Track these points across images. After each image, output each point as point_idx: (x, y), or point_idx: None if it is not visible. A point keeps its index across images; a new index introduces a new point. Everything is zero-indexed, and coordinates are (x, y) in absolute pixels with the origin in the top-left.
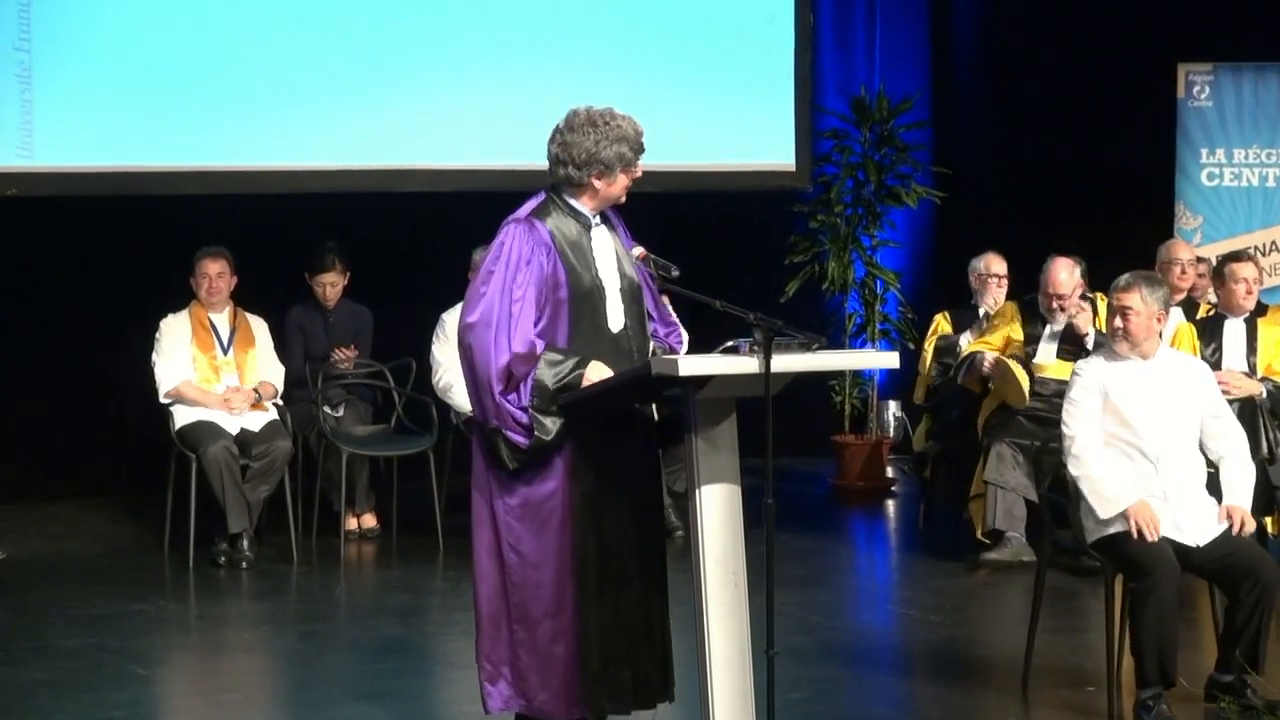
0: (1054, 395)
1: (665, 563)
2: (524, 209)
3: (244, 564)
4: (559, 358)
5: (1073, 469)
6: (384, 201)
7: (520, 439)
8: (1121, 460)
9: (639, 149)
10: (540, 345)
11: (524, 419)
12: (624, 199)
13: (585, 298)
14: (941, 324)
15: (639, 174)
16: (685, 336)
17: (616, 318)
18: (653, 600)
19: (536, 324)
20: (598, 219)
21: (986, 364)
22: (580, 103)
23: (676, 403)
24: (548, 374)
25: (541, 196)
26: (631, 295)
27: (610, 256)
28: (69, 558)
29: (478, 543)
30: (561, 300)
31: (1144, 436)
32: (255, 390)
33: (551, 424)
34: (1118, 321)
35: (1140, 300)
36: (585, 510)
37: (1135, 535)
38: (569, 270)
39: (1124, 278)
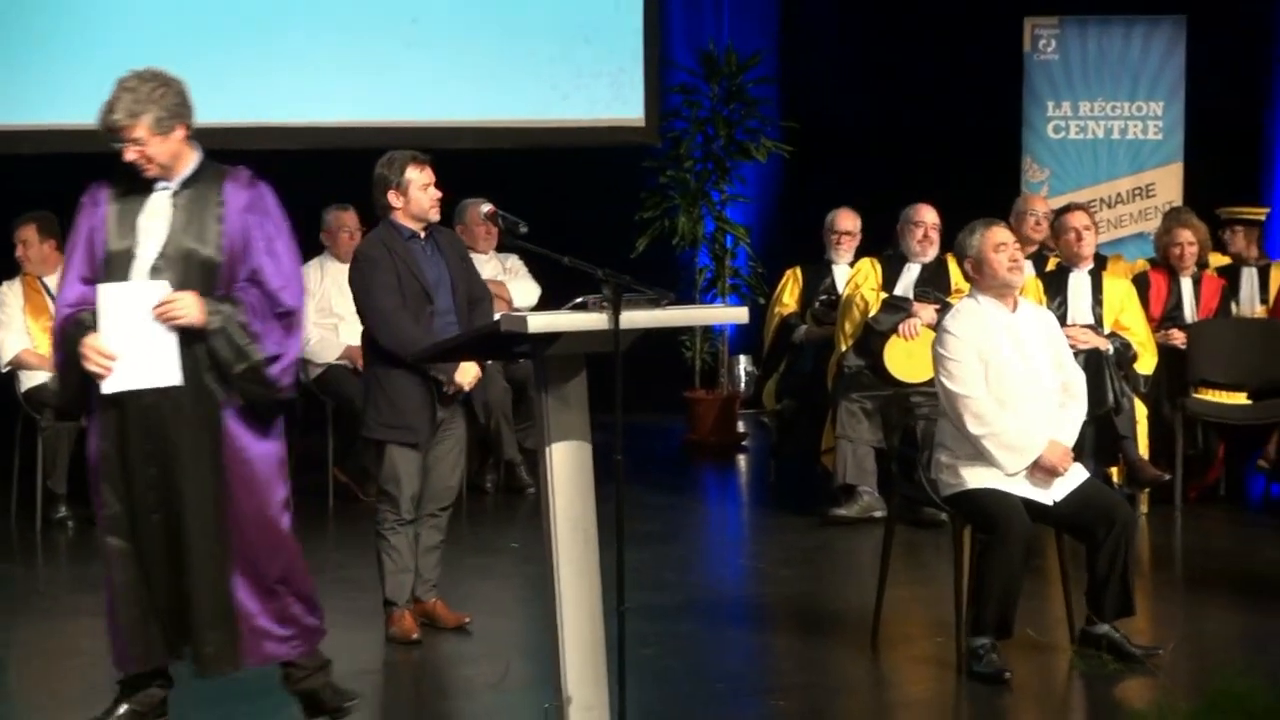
0: None
1: (227, 528)
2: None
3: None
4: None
5: (974, 428)
6: (230, 159)
7: None
8: None
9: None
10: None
11: None
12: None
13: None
14: (792, 279)
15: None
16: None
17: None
18: (196, 563)
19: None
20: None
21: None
22: (429, 60)
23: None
24: None
25: None
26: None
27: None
28: None
29: None
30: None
31: (1011, 388)
32: None
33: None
34: (1013, 257)
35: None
36: (107, 471)
37: (1052, 477)
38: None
39: (988, 222)
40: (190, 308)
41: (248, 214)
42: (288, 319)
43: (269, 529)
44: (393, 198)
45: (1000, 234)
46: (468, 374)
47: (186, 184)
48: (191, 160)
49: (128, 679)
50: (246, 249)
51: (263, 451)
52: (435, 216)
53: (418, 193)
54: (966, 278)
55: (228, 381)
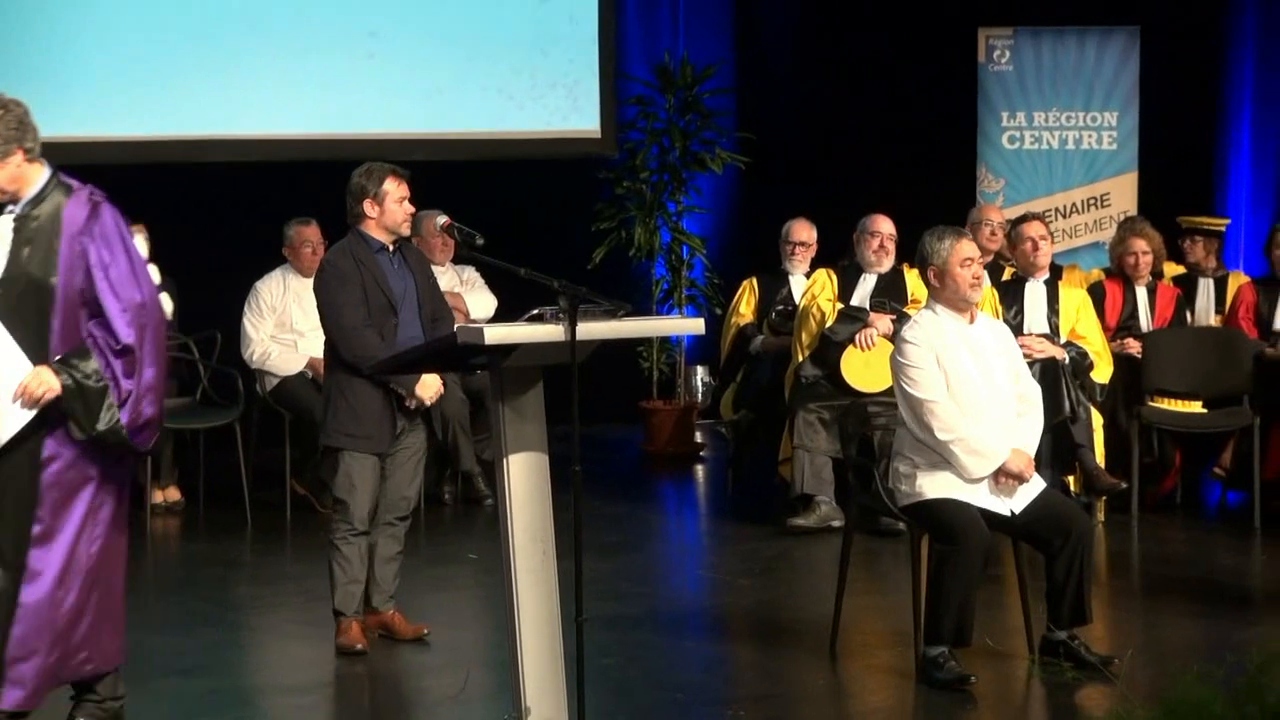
0: None
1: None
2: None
3: None
4: None
5: (940, 434)
6: (187, 172)
7: None
8: None
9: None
10: None
11: None
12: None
13: None
14: (749, 290)
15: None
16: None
17: None
18: None
19: None
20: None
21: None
22: (386, 73)
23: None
24: None
25: None
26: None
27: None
28: None
29: None
30: None
31: (971, 398)
32: None
33: None
34: (976, 274)
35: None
36: None
37: (1017, 484)
38: None
39: (957, 233)
40: (47, 382)
41: (84, 238)
42: (127, 357)
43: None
44: (368, 207)
45: (968, 248)
46: (429, 388)
47: (31, 205)
48: (37, 181)
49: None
50: (85, 275)
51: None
52: (406, 231)
53: (393, 205)
54: (927, 284)
55: (88, 437)
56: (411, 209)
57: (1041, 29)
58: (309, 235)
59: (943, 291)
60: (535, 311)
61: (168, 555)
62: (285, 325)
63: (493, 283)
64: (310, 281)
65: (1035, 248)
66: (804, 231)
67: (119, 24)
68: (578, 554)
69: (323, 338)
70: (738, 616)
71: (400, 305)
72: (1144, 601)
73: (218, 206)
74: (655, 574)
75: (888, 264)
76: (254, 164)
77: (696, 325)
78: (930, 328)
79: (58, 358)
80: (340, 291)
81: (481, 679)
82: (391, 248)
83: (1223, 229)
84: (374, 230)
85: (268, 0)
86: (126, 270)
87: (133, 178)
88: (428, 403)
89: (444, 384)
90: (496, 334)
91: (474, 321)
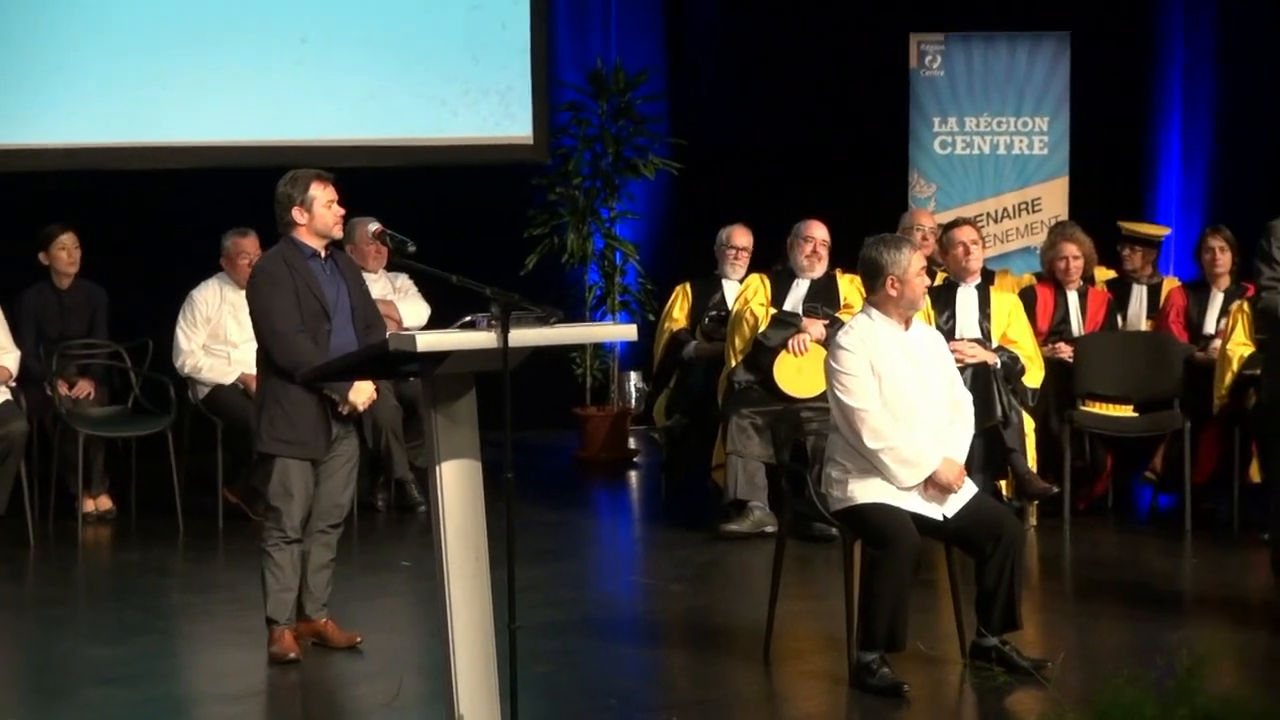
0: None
1: None
2: None
3: None
4: None
5: (870, 442)
6: (118, 178)
7: None
8: None
9: None
10: None
11: None
12: None
13: None
14: (682, 295)
15: None
16: None
17: None
18: None
19: None
20: None
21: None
22: (318, 79)
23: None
24: None
25: None
26: None
27: None
28: None
29: None
30: None
31: (904, 404)
32: None
33: None
34: (925, 281)
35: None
36: None
37: (947, 494)
38: None
39: (911, 243)
40: None
41: None
42: None
43: None
44: (297, 214)
45: (921, 259)
46: (362, 394)
47: None
48: None
49: None
50: None
51: None
52: (339, 233)
53: (321, 209)
54: (877, 291)
55: None
56: (341, 211)
57: (972, 35)
58: (246, 246)
59: (898, 298)
60: (467, 318)
61: (99, 564)
62: (219, 336)
63: (425, 290)
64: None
65: (967, 252)
66: (743, 236)
67: (47, 31)
68: (510, 560)
69: (255, 352)
70: (671, 622)
71: (333, 311)
72: (1076, 605)
73: (149, 214)
74: (589, 580)
75: (821, 269)
76: (186, 171)
77: (629, 332)
78: (865, 333)
79: None
80: (272, 297)
81: (415, 686)
82: (324, 254)
83: (1162, 238)
84: (305, 236)
85: (199, 6)
86: None
87: (64, 184)
88: (361, 408)
89: (377, 390)
90: (428, 341)
91: (407, 329)
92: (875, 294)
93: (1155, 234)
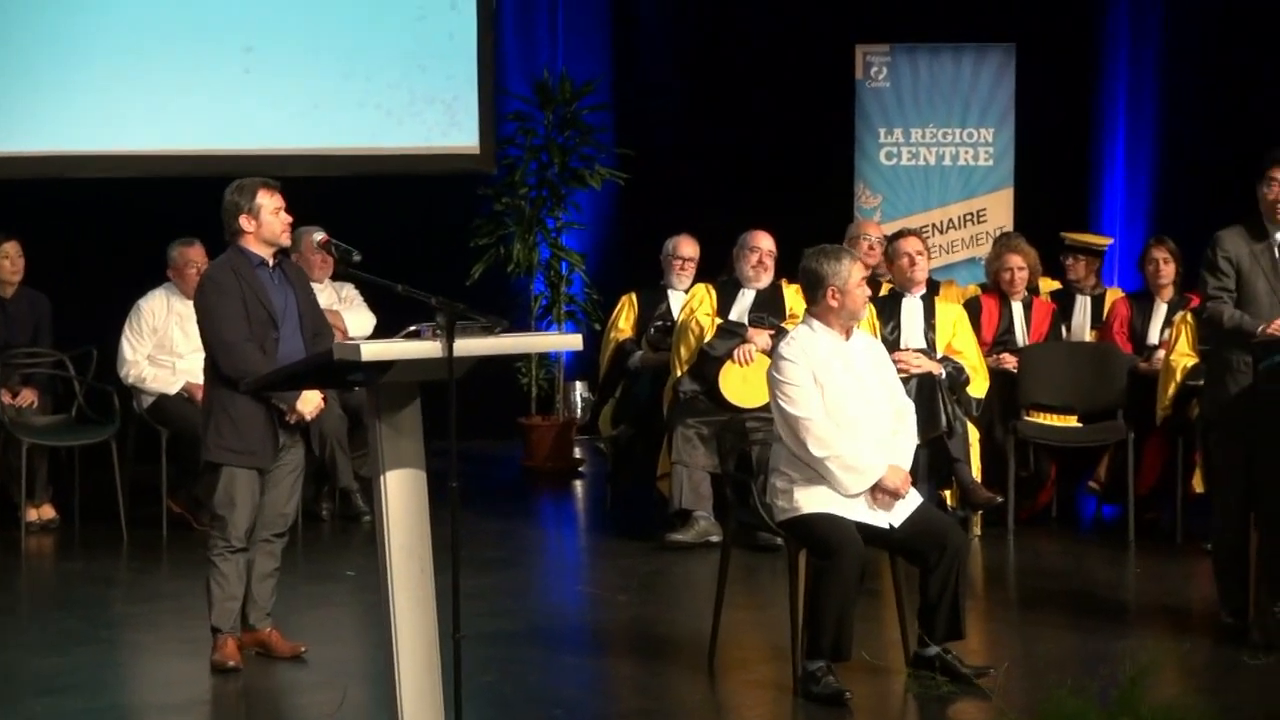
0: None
1: None
2: None
3: None
4: None
5: (815, 450)
6: (63, 187)
7: None
8: None
9: None
10: None
11: None
12: None
13: None
14: (628, 305)
15: None
16: None
17: None
18: None
19: None
20: None
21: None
22: (263, 88)
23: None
24: None
25: None
26: None
27: None
28: None
29: None
30: None
31: (846, 413)
32: None
33: None
34: (865, 292)
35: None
36: None
37: (892, 501)
38: None
39: (853, 254)
40: None
41: None
42: None
43: None
44: (245, 222)
45: (861, 269)
46: (309, 403)
47: None
48: None
49: None
50: None
51: None
52: (287, 241)
53: (269, 217)
54: (818, 301)
55: None
56: (289, 219)
57: (918, 46)
58: (192, 256)
59: (839, 309)
60: (412, 328)
61: (42, 573)
62: (165, 347)
63: (371, 300)
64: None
65: (912, 263)
66: (689, 247)
67: None
68: (455, 570)
69: (201, 362)
70: (616, 632)
71: (281, 320)
72: (1020, 614)
73: (94, 222)
74: (534, 590)
75: (766, 279)
76: (131, 180)
77: (574, 341)
78: (807, 344)
79: None
80: (220, 305)
81: (359, 696)
82: (272, 262)
83: (1105, 247)
84: (253, 244)
85: (143, 15)
86: None
87: (8, 193)
88: (308, 418)
89: (324, 399)
90: (373, 351)
91: (352, 338)
92: (816, 305)
93: (1098, 244)
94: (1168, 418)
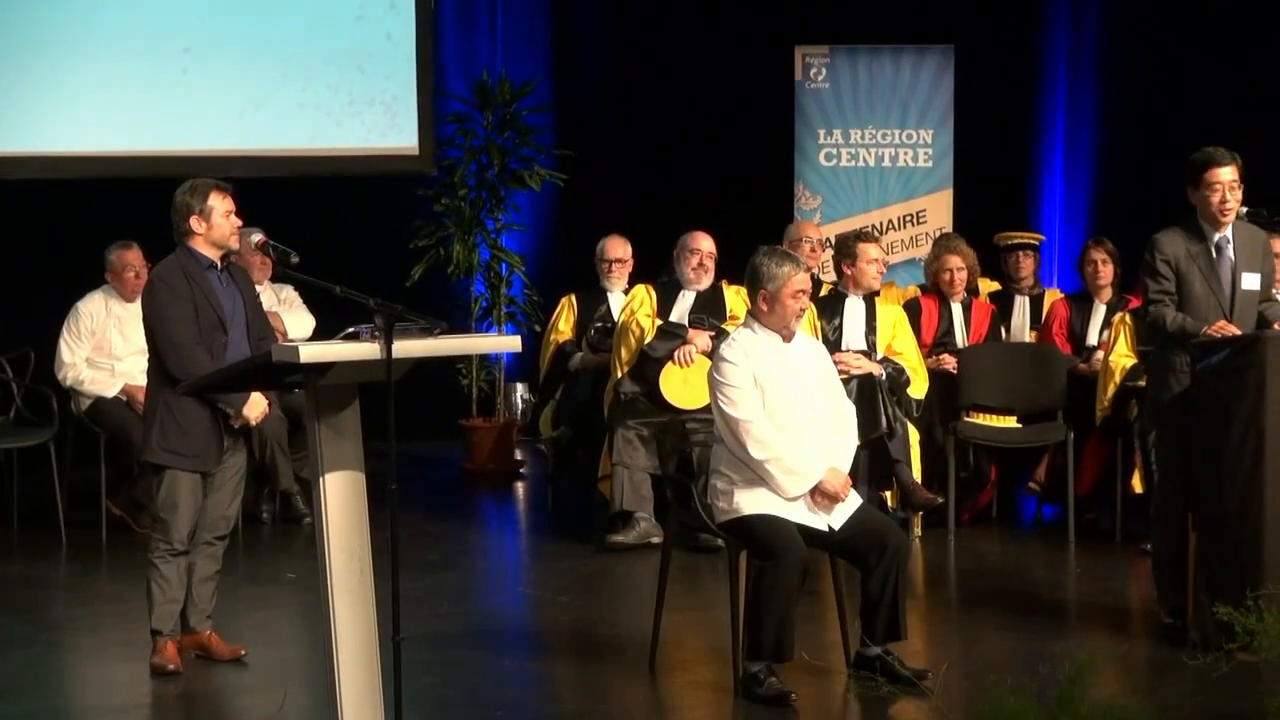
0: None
1: None
2: None
3: None
4: None
5: (756, 452)
6: None
7: None
8: None
9: None
10: None
11: None
12: None
13: None
14: (568, 306)
15: None
16: None
17: None
18: None
19: None
20: None
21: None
22: (204, 89)
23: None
24: None
25: None
26: None
27: None
28: None
29: None
30: None
31: (787, 415)
32: None
33: None
34: (803, 305)
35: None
36: None
37: (834, 503)
38: None
39: (795, 262)
40: None
41: None
42: None
43: None
44: (195, 224)
45: (801, 281)
46: (256, 408)
47: None
48: None
49: None
50: None
51: None
52: (235, 244)
53: (220, 220)
54: (753, 303)
55: None
56: (238, 222)
57: (857, 47)
58: (131, 259)
59: (769, 314)
60: (351, 330)
61: None
62: (103, 350)
63: (310, 301)
64: (132, 306)
65: (881, 271)
66: (619, 248)
67: None
68: (395, 572)
69: (140, 364)
70: (557, 633)
71: (230, 324)
72: (960, 615)
73: (31, 224)
74: (474, 592)
75: (707, 281)
76: (67, 181)
77: (513, 343)
78: (748, 346)
79: None
80: (171, 306)
81: (299, 698)
82: (220, 265)
83: (1039, 243)
84: (202, 246)
85: (80, 15)
86: None
87: None
88: (254, 423)
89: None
90: (311, 352)
91: (291, 340)
92: (755, 304)
93: (1033, 239)
94: (1107, 418)
